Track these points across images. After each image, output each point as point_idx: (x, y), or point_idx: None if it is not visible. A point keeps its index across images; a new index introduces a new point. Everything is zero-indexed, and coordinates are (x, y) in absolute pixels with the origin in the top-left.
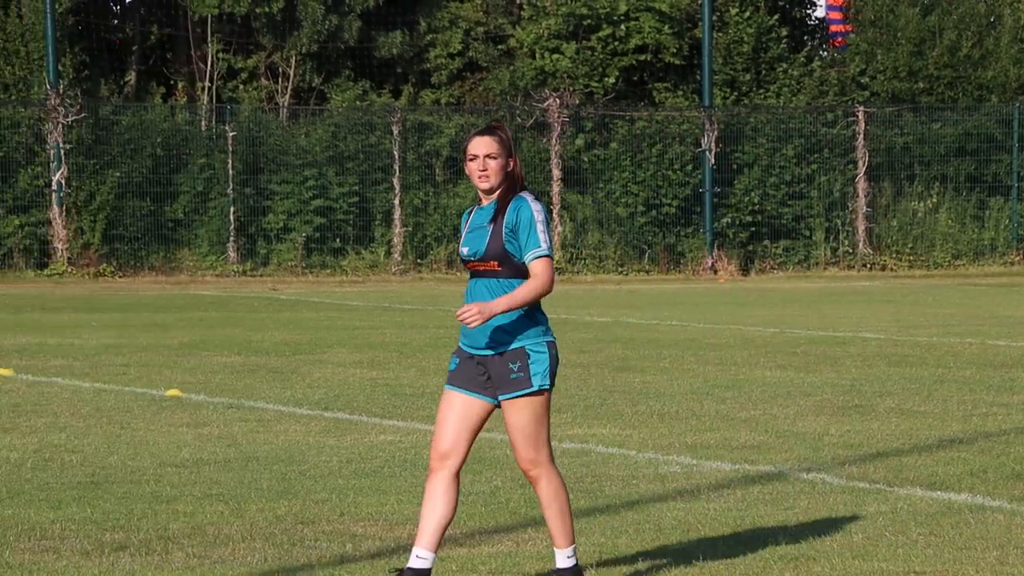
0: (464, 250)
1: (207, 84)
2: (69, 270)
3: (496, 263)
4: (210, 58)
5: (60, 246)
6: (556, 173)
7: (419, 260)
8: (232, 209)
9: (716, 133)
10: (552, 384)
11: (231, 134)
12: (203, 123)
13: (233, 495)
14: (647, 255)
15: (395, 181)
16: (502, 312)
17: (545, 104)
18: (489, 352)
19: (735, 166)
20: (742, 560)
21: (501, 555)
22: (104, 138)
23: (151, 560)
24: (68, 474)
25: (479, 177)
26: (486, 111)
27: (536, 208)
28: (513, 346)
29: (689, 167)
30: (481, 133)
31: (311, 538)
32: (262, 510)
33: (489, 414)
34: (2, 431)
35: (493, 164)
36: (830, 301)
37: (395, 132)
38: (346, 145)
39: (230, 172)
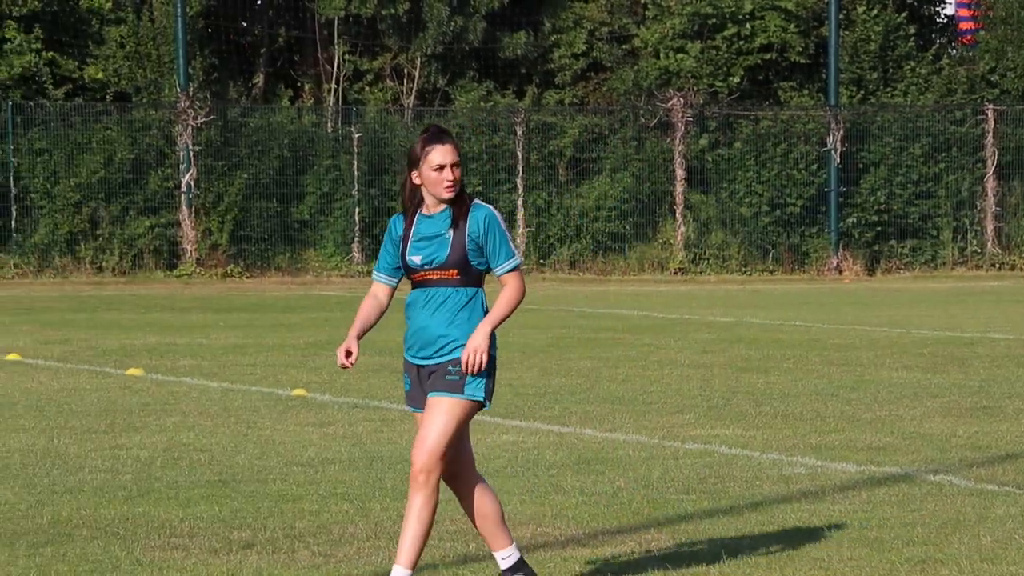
0: (416, 259)
1: (333, 86)
2: (197, 271)
3: (456, 271)
4: (336, 60)
5: (189, 247)
6: (679, 173)
7: (542, 260)
8: (357, 210)
9: (842, 132)
10: (488, 401)
11: (356, 135)
12: (329, 125)
13: (358, 494)
14: (771, 255)
15: (518, 181)
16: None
17: (669, 104)
18: (438, 360)
19: (861, 165)
20: (868, 563)
21: (624, 555)
22: (232, 140)
23: (277, 558)
24: (196, 473)
25: (446, 187)
26: (609, 111)
27: (499, 216)
28: (458, 354)
29: (814, 166)
30: (440, 141)
31: (434, 537)
32: (386, 509)
33: None
34: (132, 430)
35: (457, 173)
36: (957, 301)
37: (519, 133)
38: (470, 146)
39: (355, 173)
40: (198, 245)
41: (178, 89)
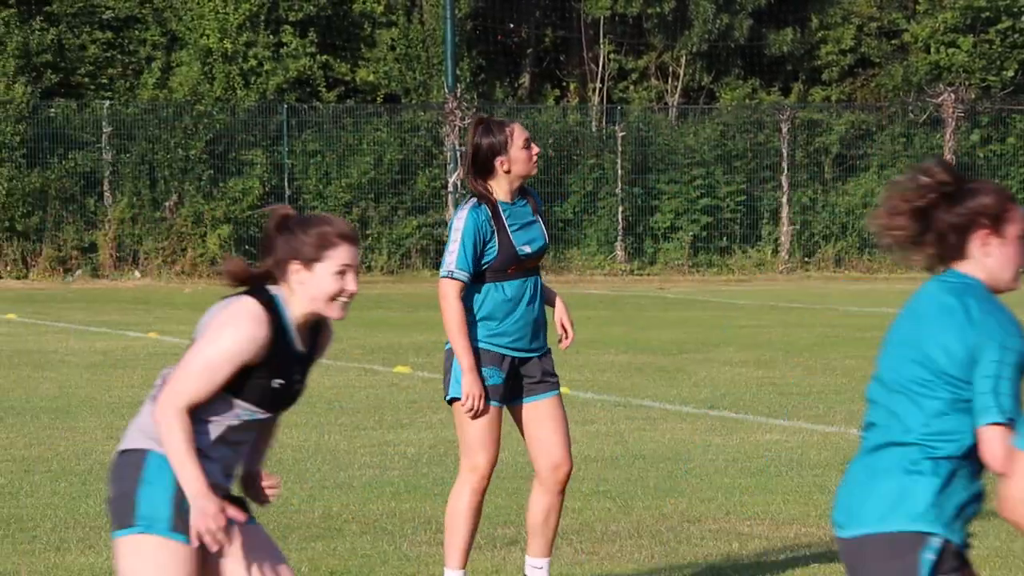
0: (527, 248)
1: (598, 85)
2: None
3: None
4: (602, 59)
5: None
6: None
7: (806, 259)
8: (620, 208)
9: None
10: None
11: (621, 134)
12: (593, 124)
13: (620, 492)
14: None
15: (783, 179)
16: None
17: (939, 99)
18: (545, 350)
19: None
20: None
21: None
22: None
23: None
24: None
25: (534, 163)
26: (877, 107)
27: None
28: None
29: None
30: (506, 122)
31: (697, 536)
32: (648, 507)
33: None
34: (400, 427)
35: (538, 148)
36: None
37: (784, 130)
38: (734, 144)
39: (619, 172)
40: None
41: (446, 90)
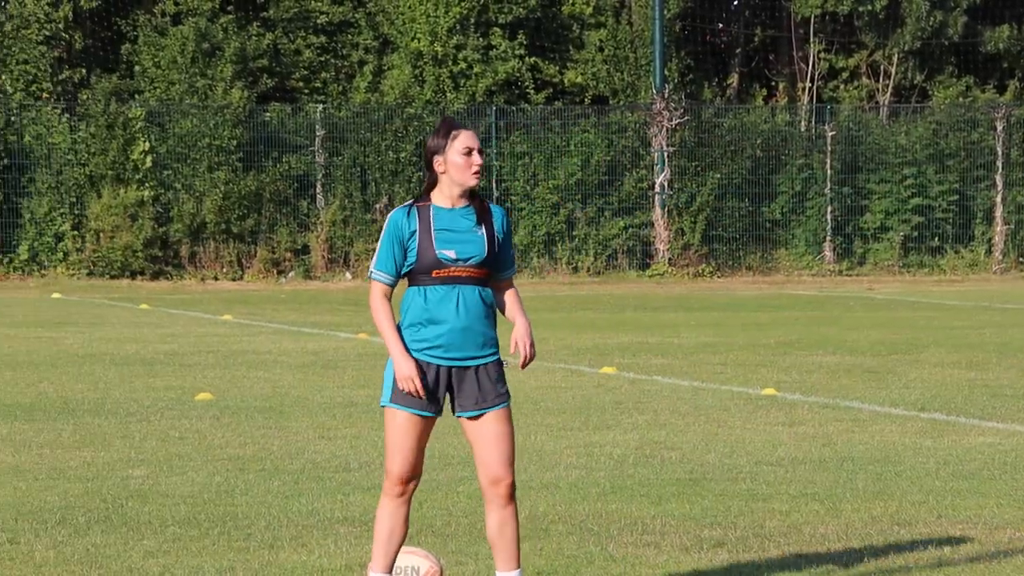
0: (449, 253)
1: (808, 84)
2: (669, 270)
3: (486, 271)
4: (811, 58)
5: (661, 247)
6: None
7: (1021, 259)
8: (829, 209)
9: None
10: None
11: (830, 134)
12: (802, 124)
13: (829, 495)
14: None
15: (997, 178)
16: None
17: None
18: (482, 361)
19: None
20: None
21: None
22: (706, 140)
23: (747, 557)
24: (668, 471)
25: (474, 172)
26: None
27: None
28: (495, 356)
29: None
30: (463, 127)
31: (907, 540)
32: (857, 510)
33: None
34: (605, 427)
35: (481, 160)
36: None
37: (999, 128)
38: (947, 143)
39: (828, 172)
40: (670, 245)
41: (654, 91)
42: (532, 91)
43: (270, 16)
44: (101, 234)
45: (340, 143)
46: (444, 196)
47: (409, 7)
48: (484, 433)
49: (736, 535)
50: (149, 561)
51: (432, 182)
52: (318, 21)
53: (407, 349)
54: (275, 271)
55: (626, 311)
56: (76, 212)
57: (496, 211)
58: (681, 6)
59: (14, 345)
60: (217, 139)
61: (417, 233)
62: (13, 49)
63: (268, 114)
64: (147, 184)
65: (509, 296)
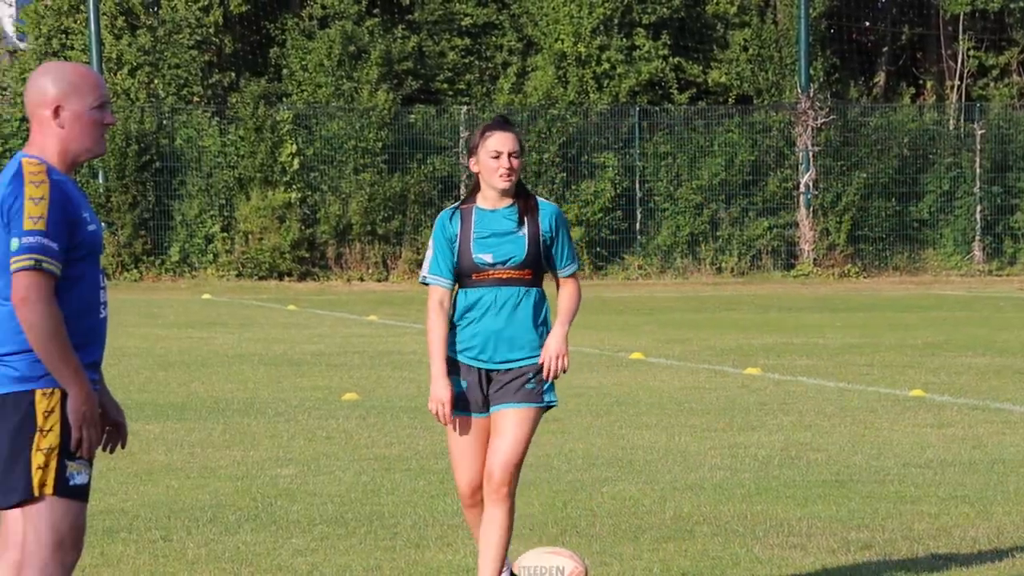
0: (486, 257)
1: (956, 83)
2: (814, 271)
3: (531, 271)
4: (960, 56)
5: (806, 247)
6: None
7: None
8: (978, 208)
9: None
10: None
11: (979, 132)
12: (951, 122)
13: (979, 497)
14: None
15: None
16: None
17: None
18: (518, 364)
19: None
20: None
21: None
22: (851, 139)
23: (895, 560)
24: (813, 472)
25: (501, 175)
26: None
27: (564, 216)
28: (533, 360)
29: None
30: (501, 128)
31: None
32: (1008, 513)
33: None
34: (750, 429)
35: (516, 163)
36: None
37: None
38: None
39: (977, 171)
40: (815, 245)
41: (799, 90)
42: (675, 91)
43: (415, 19)
44: (250, 236)
45: None
46: (486, 197)
47: (553, 8)
48: (497, 427)
49: (884, 538)
50: (298, 559)
51: (477, 183)
52: (462, 23)
53: (448, 371)
54: (419, 272)
55: (770, 312)
56: (226, 214)
57: (546, 208)
58: (827, 4)
59: (166, 345)
60: (363, 141)
61: (458, 236)
62: (165, 54)
63: (412, 116)
64: (294, 186)
65: (562, 296)
